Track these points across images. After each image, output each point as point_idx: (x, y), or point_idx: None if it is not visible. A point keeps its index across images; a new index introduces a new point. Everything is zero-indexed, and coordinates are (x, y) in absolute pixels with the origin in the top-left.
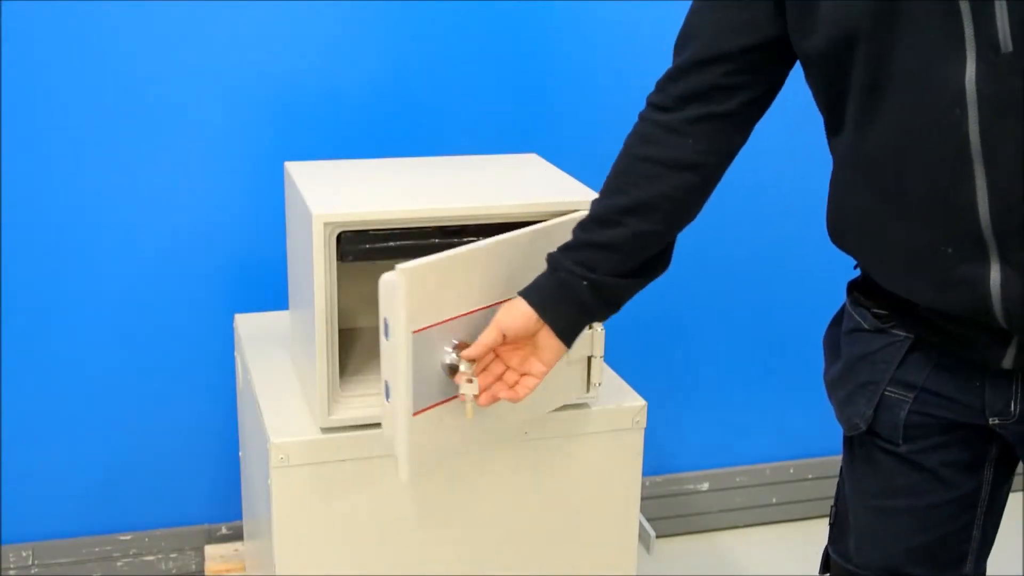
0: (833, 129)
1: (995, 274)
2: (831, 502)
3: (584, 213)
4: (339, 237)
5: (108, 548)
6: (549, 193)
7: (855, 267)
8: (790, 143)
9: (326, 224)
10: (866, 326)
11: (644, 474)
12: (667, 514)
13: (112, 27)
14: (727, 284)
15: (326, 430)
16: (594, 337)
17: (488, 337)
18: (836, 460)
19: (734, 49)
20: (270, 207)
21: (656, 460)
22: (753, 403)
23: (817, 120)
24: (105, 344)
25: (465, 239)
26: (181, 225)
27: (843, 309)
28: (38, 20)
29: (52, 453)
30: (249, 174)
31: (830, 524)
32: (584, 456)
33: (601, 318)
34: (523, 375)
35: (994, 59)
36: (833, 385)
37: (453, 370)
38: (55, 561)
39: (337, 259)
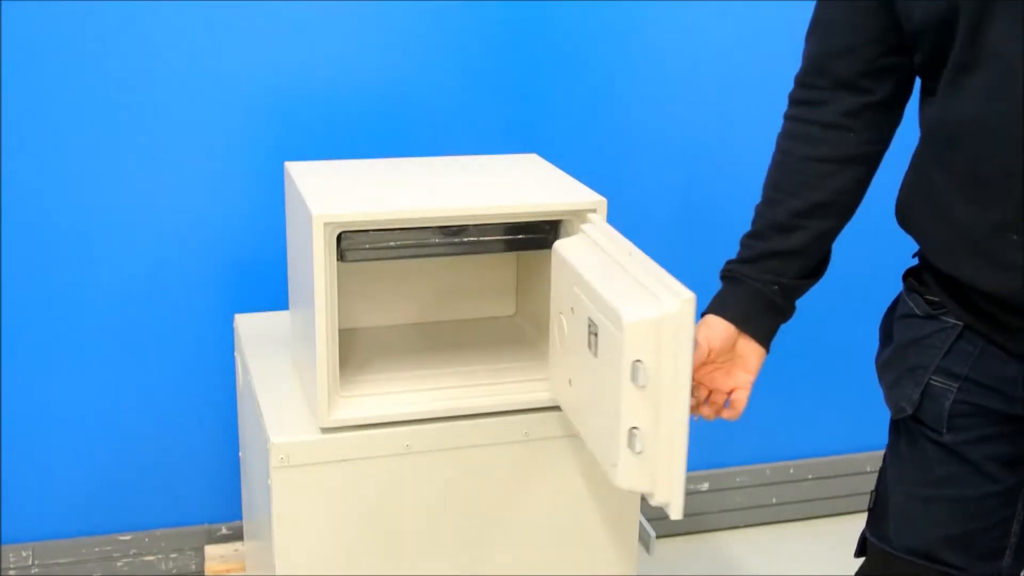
0: (924, 101)
1: None
2: (833, 501)
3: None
4: (339, 237)
5: (108, 548)
6: (549, 193)
7: (913, 255)
8: None
9: (326, 224)
10: (918, 312)
11: None
12: (667, 514)
13: (112, 27)
14: None
15: (326, 430)
16: None
17: (695, 358)
18: (836, 460)
19: (875, 32)
20: (270, 207)
21: None
22: (753, 403)
23: None
24: (105, 344)
25: (465, 239)
26: (181, 225)
27: (899, 296)
28: (38, 20)
29: (52, 453)
30: (249, 174)
31: (868, 509)
32: (584, 456)
33: (790, 316)
34: (732, 390)
35: None
36: (883, 369)
37: None
38: (55, 561)
39: (337, 259)
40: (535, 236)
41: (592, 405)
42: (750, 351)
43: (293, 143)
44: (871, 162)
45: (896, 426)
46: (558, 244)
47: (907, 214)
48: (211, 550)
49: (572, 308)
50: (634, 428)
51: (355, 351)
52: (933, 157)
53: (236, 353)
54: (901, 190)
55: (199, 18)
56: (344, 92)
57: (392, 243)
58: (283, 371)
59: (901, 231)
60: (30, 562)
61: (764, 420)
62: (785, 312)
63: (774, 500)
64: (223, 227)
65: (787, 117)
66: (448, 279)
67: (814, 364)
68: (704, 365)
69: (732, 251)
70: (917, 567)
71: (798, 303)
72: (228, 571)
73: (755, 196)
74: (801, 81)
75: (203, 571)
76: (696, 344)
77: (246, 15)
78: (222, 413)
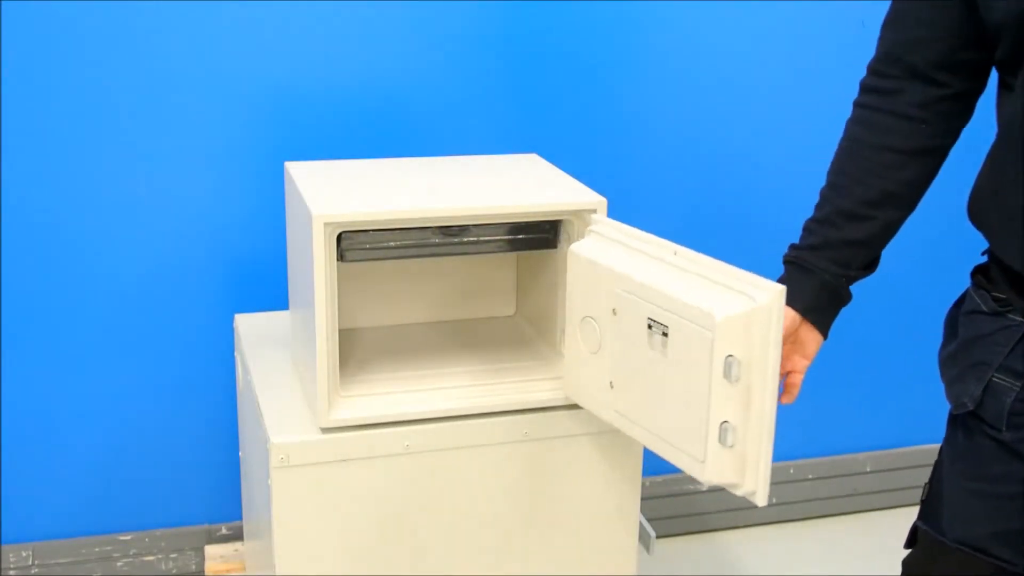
0: (1003, 97)
1: None
2: (833, 501)
3: None
4: (339, 237)
5: (108, 548)
6: (549, 193)
7: (983, 253)
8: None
9: (326, 224)
10: (984, 309)
11: (644, 474)
12: (667, 514)
13: (112, 27)
14: None
15: (326, 430)
16: None
17: None
18: (836, 460)
19: (953, 26)
20: (270, 207)
21: (656, 460)
22: None
23: None
24: (105, 344)
25: (465, 239)
26: (181, 225)
27: (966, 292)
28: (38, 20)
29: (52, 453)
30: (249, 174)
31: (921, 501)
32: (584, 456)
33: (849, 301)
34: (788, 374)
35: None
36: (946, 363)
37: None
38: (55, 561)
39: (337, 259)
40: (535, 236)
41: (661, 404)
42: (811, 338)
43: (293, 143)
44: (940, 155)
45: (955, 420)
46: (576, 247)
47: (980, 211)
48: (211, 550)
49: (614, 310)
50: (725, 423)
51: (355, 351)
52: (1008, 153)
53: (236, 353)
54: (975, 188)
55: (199, 18)
56: (344, 92)
57: (392, 243)
58: (283, 371)
59: (909, 227)
60: (30, 562)
61: None
62: (845, 299)
63: (774, 500)
64: (223, 227)
65: (857, 104)
66: (448, 279)
67: (815, 365)
68: None
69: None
70: (968, 557)
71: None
72: (228, 571)
73: (755, 196)
74: (874, 69)
75: (203, 571)
76: None
77: (246, 15)
78: (222, 413)
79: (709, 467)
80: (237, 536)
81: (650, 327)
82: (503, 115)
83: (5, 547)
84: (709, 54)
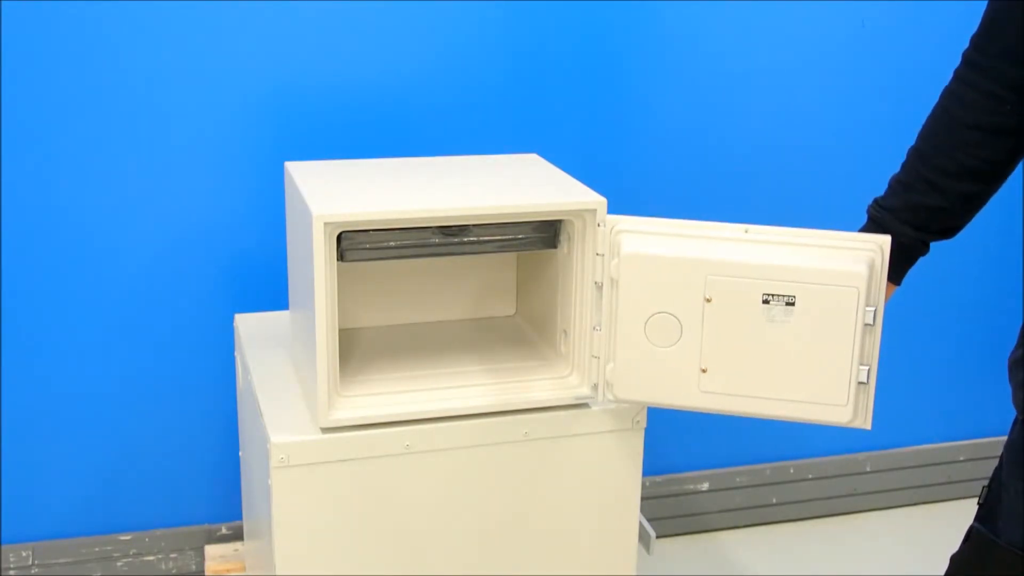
0: None
1: None
2: (833, 501)
3: None
4: (339, 237)
5: (108, 548)
6: (549, 193)
7: None
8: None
9: (326, 224)
10: None
11: (644, 474)
12: (667, 514)
13: (112, 27)
14: None
15: (326, 430)
16: (595, 337)
17: None
18: (836, 460)
19: None
20: (270, 207)
21: (656, 460)
22: None
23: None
24: (105, 344)
25: (465, 239)
26: (181, 225)
27: None
28: (38, 20)
29: (52, 453)
30: (249, 174)
31: (979, 504)
32: (584, 456)
33: (925, 254)
34: None
35: None
36: (1015, 366)
37: None
38: (55, 561)
39: (337, 259)
40: (535, 236)
41: (785, 368)
42: (884, 288)
43: (293, 143)
44: (1022, 136)
45: (1018, 425)
46: (633, 248)
47: None
48: (211, 550)
49: (708, 298)
50: (863, 365)
51: (355, 351)
52: None
53: (236, 353)
54: None
55: (199, 18)
56: (344, 92)
57: (392, 243)
58: (283, 371)
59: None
60: (30, 562)
61: (764, 420)
62: (922, 253)
63: (774, 500)
64: (223, 227)
65: (955, 75)
66: (448, 279)
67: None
68: None
69: None
70: (1018, 558)
71: None
72: (228, 571)
73: (756, 196)
74: (975, 43)
75: (203, 571)
76: None
77: (246, 15)
78: (222, 413)
79: (849, 408)
80: (237, 536)
81: (766, 302)
82: (503, 115)
83: (5, 547)
84: (709, 54)
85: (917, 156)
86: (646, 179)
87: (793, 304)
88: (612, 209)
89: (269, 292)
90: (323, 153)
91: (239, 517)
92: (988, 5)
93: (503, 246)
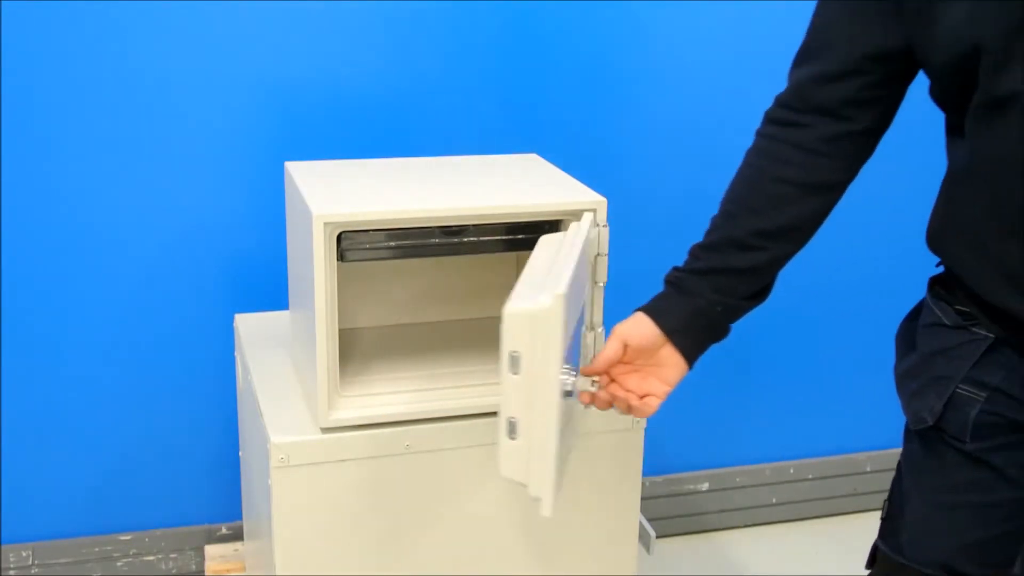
0: (952, 137)
1: None
2: (833, 501)
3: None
4: (339, 237)
5: (108, 548)
6: (549, 193)
7: (937, 264)
8: None
9: (326, 224)
10: (946, 322)
11: (644, 474)
12: (667, 514)
13: (112, 27)
14: None
15: (326, 430)
16: (594, 337)
17: (610, 349)
18: (836, 460)
19: (869, 62)
20: (270, 207)
21: (656, 460)
22: (753, 403)
23: None
24: (105, 344)
25: (465, 239)
26: (181, 225)
27: (921, 303)
28: (38, 20)
29: (52, 453)
30: (249, 174)
31: (882, 519)
32: (584, 456)
33: (723, 338)
34: (644, 396)
35: None
36: (904, 377)
37: (569, 395)
38: (55, 561)
39: (337, 259)
40: (535, 236)
41: None
42: (673, 363)
43: (293, 143)
44: (838, 191)
45: (912, 435)
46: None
47: (940, 244)
48: (211, 550)
49: None
50: (511, 418)
51: (355, 351)
52: (965, 194)
53: (236, 353)
54: (932, 220)
55: (199, 18)
56: (344, 92)
57: (392, 243)
58: (283, 371)
59: (908, 238)
60: (30, 562)
61: (764, 420)
62: (720, 334)
63: (774, 500)
64: (223, 227)
65: (761, 134)
66: (448, 279)
67: (815, 365)
68: (620, 364)
69: None
70: None
71: (809, 305)
72: (228, 571)
73: None
74: (783, 101)
75: (203, 571)
76: (613, 339)
77: (246, 14)
78: (222, 413)
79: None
80: (237, 536)
81: None
82: (503, 115)
83: (5, 547)
84: (710, 54)
85: (724, 220)
86: (646, 179)
87: None
88: (611, 208)
89: (269, 292)
90: (323, 153)
91: (239, 517)
92: (792, 70)
93: (503, 246)
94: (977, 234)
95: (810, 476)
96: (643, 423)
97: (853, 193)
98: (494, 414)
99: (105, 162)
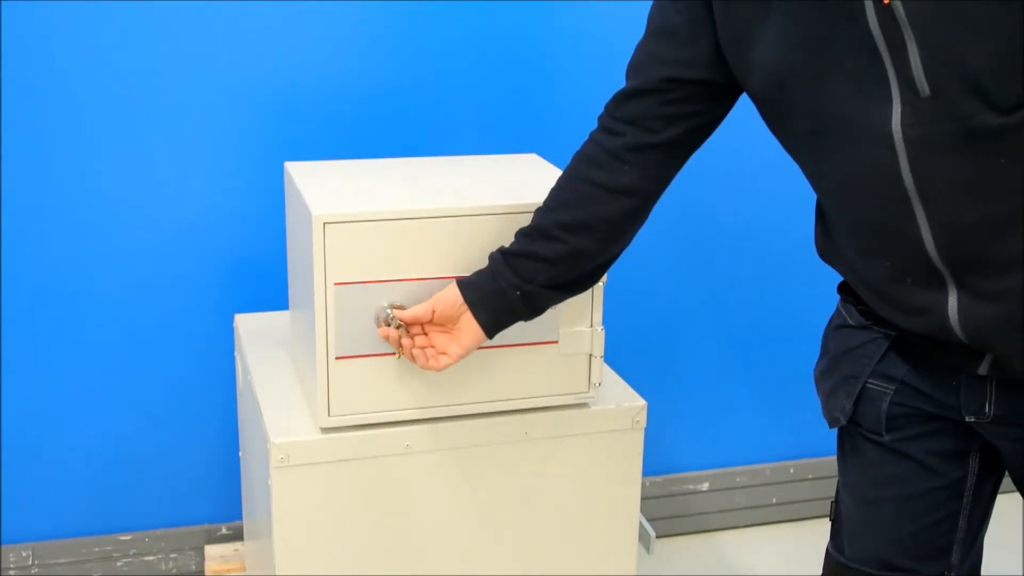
0: (798, 164)
1: (953, 300)
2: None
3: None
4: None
5: (108, 548)
6: None
7: None
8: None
9: (326, 224)
10: (851, 322)
11: (644, 474)
12: (667, 514)
13: (112, 27)
14: (726, 285)
15: (326, 430)
16: (594, 337)
17: (420, 308)
18: (836, 460)
19: (672, 82)
20: (270, 207)
21: (656, 460)
22: (753, 403)
23: None
24: (105, 344)
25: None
26: (181, 225)
27: (837, 307)
28: (38, 20)
29: (52, 453)
30: (249, 174)
31: (831, 520)
32: (584, 456)
33: (527, 319)
34: (441, 353)
35: (916, 102)
36: (820, 379)
37: (386, 323)
38: (55, 561)
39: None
40: None
41: None
42: (469, 330)
43: (293, 143)
44: (643, 198)
45: (840, 434)
46: None
47: (824, 255)
48: (211, 550)
49: None
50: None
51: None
52: (828, 211)
53: (236, 353)
54: (816, 233)
55: (199, 17)
56: (344, 92)
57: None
58: (283, 371)
59: None
60: (30, 562)
61: (764, 420)
62: (521, 316)
63: (774, 500)
64: (223, 227)
65: (589, 137)
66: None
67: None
68: (429, 322)
69: (731, 251)
70: None
71: (807, 304)
72: (228, 571)
73: (756, 196)
74: (607, 108)
75: (203, 571)
76: (427, 301)
77: (246, 14)
78: (222, 413)
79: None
80: (237, 536)
81: None
82: (503, 115)
83: (5, 547)
84: None
85: (541, 210)
86: None
87: None
88: None
89: (269, 292)
90: (323, 153)
91: (239, 517)
92: (626, 75)
93: None
94: (844, 252)
95: (810, 476)
96: (643, 423)
97: None
98: (494, 414)
99: (105, 162)
